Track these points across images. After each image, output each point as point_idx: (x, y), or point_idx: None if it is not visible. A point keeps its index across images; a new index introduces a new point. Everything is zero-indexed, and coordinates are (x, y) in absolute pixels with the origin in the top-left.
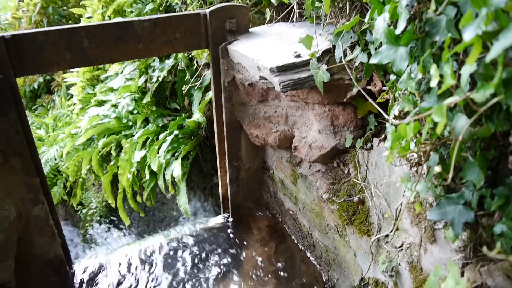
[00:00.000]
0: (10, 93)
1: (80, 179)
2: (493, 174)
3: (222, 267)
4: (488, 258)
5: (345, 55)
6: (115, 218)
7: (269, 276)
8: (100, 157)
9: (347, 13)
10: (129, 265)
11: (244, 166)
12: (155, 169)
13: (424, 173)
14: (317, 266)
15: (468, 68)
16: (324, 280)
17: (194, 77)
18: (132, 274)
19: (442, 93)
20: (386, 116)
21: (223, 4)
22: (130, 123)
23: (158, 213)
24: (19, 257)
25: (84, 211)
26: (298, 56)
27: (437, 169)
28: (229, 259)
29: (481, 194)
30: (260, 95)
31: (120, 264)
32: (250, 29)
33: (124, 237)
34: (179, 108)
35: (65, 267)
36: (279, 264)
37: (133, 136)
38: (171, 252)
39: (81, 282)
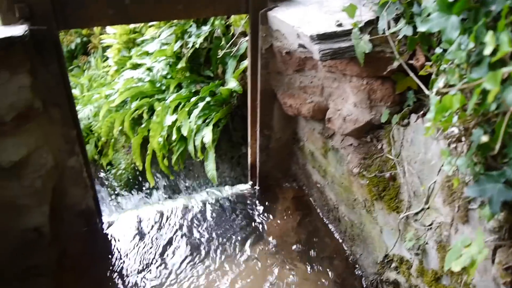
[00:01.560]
0: (53, 45)
1: (112, 140)
2: None
3: (245, 233)
4: None
5: (388, 27)
6: (142, 181)
7: (291, 246)
8: (132, 119)
9: None
10: (155, 222)
11: (275, 135)
12: (185, 134)
13: (464, 151)
14: (340, 240)
15: None
16: (346, 254)
17: (229, 45)
18: (157, 231)
19: (493, 64)
20: (426, 92)
21: None
22: (163, 88)
23: (185, 178)
24: (53, 205)
25: (113, 171)
26: (340, 25)
27: (484, 138)
28: (253, 227)
29: None
30: (297, 64)
31: (147, 220)
32: None
33: (150, 199)
34: (212, 75)
35: (96, 218)
36: (302, 236)
37: (166, 100)
38: (197, 214)
39: (110, 234)
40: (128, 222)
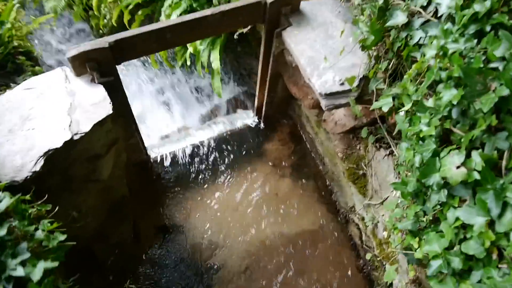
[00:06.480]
0: (117, 84)
1: None
2: None
3: (251, 154)
4: None
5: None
6: None
7: (286, 163)
8: None
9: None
10: (185, 152)
11: (278, 95)
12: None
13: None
14: (324, 173)
15: None
16: (327, 183)
17: None
18: (189, 158)
19: None
20: (391, 144)
21: None
22: None
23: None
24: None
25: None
26: (342, 84)
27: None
28: (257, 151)
29: None
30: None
31: (180, 150)
32: (300, 5)
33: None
34: None
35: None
36: (294, 159)
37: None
38: (214, 143)
39: (159, 169)
40: (167, 153)
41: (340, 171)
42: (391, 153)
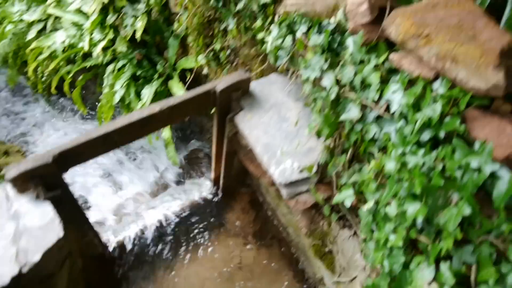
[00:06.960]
0: (65, 194)
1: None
2: None
3: (212, 225)
4: None
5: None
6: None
7: (248, 232)
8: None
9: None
10: (148, 234)
11: (235, 167)
12: None
13: None
14: (288, 241)
15: None
16: (292, 251)
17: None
18: (143, 245)
19: None
20: (352, 223)
21: (232, 81)
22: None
23: None
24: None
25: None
26: (301, 171)
27: None
28: (218, 220)
29: None
30: None
31: (136, 233)
32: (250, 87)
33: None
34: (151, 43)
35: (102, 248)
36: (256, 225)
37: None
38: (177, 216)
39: (118, 256)
40: (123, 237)
41: (305, 245)
42: (355, 233)
